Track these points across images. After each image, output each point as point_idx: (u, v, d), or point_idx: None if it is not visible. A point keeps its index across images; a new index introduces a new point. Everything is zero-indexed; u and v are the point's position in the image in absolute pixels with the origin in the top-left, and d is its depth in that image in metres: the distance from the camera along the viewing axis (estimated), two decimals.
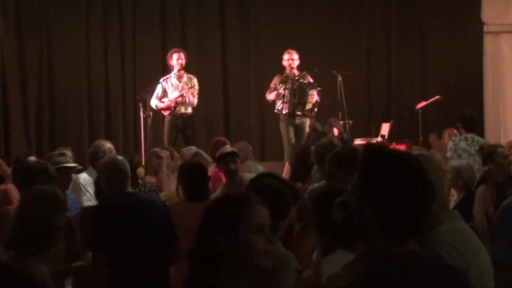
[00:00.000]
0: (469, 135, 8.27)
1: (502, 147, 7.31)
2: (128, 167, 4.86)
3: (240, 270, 2.50)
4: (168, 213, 4.79)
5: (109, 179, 4.79)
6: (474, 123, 8.48)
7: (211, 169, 7.05)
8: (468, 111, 8.73)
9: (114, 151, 6.98)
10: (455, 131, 8.88)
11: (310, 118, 10.59)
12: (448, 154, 8.15)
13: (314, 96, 10.56)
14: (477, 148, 7.90)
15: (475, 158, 7.81)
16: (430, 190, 2.19)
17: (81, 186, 6.69)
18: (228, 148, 6.69)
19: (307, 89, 10.54)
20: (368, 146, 2.30)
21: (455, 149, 8.21)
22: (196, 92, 10.68)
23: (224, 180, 6.42)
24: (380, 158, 2.20)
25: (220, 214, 2.54)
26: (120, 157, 5.03)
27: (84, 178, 6.71)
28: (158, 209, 4.74)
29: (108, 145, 7.07)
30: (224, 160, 6.14)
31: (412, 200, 2.13)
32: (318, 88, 10.59)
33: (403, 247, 2.14)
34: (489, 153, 6.60)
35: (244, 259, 2.49)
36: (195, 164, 5.70)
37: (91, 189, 6.23)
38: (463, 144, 8.19)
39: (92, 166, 6.74)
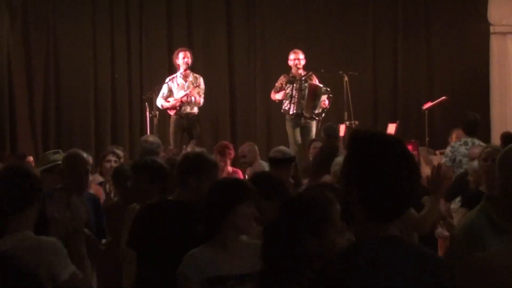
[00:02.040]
0: (469, 139, 8.00)
1: None
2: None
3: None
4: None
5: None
6: (475, 126, 8.18)
7: (226, 170, 7.06)
8: (470, 113, 8.49)
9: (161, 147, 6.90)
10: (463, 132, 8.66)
11: (318, 122, 10.58)
12: (443, 160, 7.91)
13: (325, 102, 10.56)
14: None
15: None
16: (414, 175, 2.17)
17: None
18: (282, 150, 6.61)
19: (320, 94, 10.52)
20: (355, 131, 2.31)
21: (451, 156, 7.93)
22: (202, 91, 10.67)
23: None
24: (364, 141, 2.20)
25: (306, 216, 2.50)
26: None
27: None
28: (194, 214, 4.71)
29: (150, 139, 7.01)
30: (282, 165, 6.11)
31: (396, 183, 2.13)
32: (330, 95, 10.58)
33: (385, 231, 2.14)
34: None
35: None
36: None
37: None
38: (462, 149, 7.92)
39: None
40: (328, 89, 10.61)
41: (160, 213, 4.16)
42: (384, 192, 2.13)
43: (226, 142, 9.11)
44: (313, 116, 10.57)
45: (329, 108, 10.65)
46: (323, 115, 10.65)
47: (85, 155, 5.16)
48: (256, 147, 8.48)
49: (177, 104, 10.52)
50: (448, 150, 8.11)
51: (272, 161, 6.22)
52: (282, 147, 6.47)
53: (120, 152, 7.43)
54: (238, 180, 3.71)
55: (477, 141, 8.02)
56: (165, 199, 4.41)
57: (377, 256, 2.10)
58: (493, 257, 2.58)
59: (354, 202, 2.15)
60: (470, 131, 8.14)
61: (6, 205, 3.47)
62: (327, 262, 2.17)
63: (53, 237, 3.62)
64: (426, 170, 8.44)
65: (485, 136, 12.17)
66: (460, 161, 7.83)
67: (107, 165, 7.13)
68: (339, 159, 5.89)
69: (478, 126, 8.33)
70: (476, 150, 6.62)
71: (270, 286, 2.53)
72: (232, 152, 8.69)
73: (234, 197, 3.48)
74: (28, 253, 3.31)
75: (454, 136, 9.04)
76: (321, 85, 10.65)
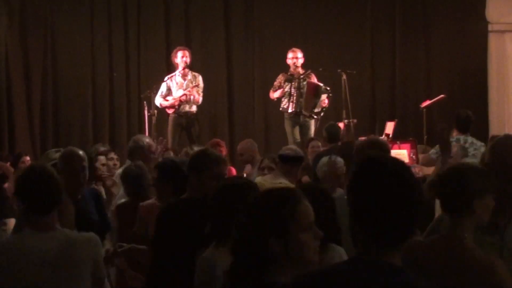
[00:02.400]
0: (461, 137, 7.95)
1: None
2: None
3: (287, 266, 2.48)
4: None
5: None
6: (468, 124, 8.12)
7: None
8: (462, 111, 8.42)
9: (153, 147, 6.88)
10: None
11: (316, 121, 10.58)
12: (430, 152, 7.91)
13: (325, 101, 10.56)
14: (475, 148, 7.72)
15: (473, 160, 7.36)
16: (415, 206, 2.14)
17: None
18: (294, 149, 6.61)
19: (320, 93, 10.52)
20: (367, 155, 2.27)
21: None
22: (201, 90, 10.67)
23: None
24: (369, 167, 2.18)
25: (269, 214, 2.49)
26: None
27: None
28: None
29: (147, 140, 6.99)
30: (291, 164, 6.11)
31: (395, 214, 2.11)
32: (330, 94, 10.57)
33: (380, 256, 2.11)
34: None
35: (293, 257, 2.47)
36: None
37: None
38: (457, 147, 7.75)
39: (131, 160, 6.60)
40: (328, 88, 10.61)
41: (176, 212, 4.19)
42: (382, 219, 2.11)
43: (217, 140, 9.11)
44: (312, 114, 10.58)
45: (328, 106, 10.65)
46: (322, 114, 10.66)
47: (80, 152, 5.16)
48: (256, 144, 8.47)
49: (176, 103, 10.52)
50: (438, 148, 8.05)
51: (283, 158, 6.23)
52: (293, 146, 6.49)
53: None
54: (249, 181, 3.68)
55: (470, 139, 7.99)
56: (178, 198, 4.42)
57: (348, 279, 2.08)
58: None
59: (352, 222, 2.16)
60: (464, 129, 8.09)
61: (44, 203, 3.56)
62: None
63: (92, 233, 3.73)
64: (425, 170, 8.47)
65: (483, 134, 12.17)
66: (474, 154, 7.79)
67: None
68: (325, 159, 5.90)
69: (471, 124, 8.23)
70: (455, 149, 6.67)
71: (235, 281, 2.52)
72: (224, 150, 8.68)
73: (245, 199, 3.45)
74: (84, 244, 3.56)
75: (455, 134, 8.91)
76: (321, 84, 10.65)
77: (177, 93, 10.53)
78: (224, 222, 3.37)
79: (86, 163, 5.07)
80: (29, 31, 12.63)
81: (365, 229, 2.13)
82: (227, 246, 3.38)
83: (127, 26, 12.95)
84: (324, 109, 10.62)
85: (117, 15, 12.93)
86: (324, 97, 10.56)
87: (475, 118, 8.39)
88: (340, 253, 3.52)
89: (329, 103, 10.64)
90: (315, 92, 10.52)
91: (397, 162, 2.21)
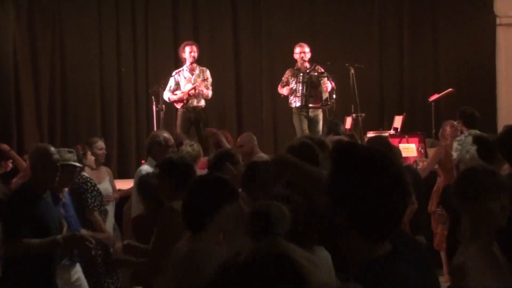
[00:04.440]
0: (472, 131, 7.99)
1: None
2: None
3: None
4: None
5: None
6: (475, 119, 8.25)
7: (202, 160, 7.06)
8: (467, 108, 8.56)
9: (171, 141, 6.82)
10: (455, 122, 8.66)
11: (332, 107, 10.46)
12: (455, 155, 7.89)
13: (327, 85, 10.46)
14: None
15: None
16: (406, 189, 2.05)
17: None
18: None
19: (318, 80, 10.44)
20: (337, 145, 2.17)
21: (462, 148, 7.77)
22: (210, 84, 10.66)
23: None
24: (350, 158, 2.06)
25: None
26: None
27: (146, 169, 6.33)
28: None
29: (164, 134, 6.95)
30: None
31: (389, 201, 2.00)
32: (329, 75, 10.45)
33: (383, 249, 2.04)
34: None
35: None
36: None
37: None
38: (469, 139, 7.58)
39: (151, 156, 6.58)
40: (323, 71, 10.50)
41: None
42: (378, 213, 2.00)
43: (212, 130, 9.26)
44: (323, 103, 10.44)
45: (336, 100, 10.52)
46: (333, 99, 10.44)
47: (52, 149, 5.09)
48: (255, 138, 8.43)
49: (185, 97, 10.52)
50: (455, 144, 8.06)
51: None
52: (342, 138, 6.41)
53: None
54: (224, 180, 3.71)
55: (479, 133, 7.90)
56: None
57: (397, 273, 2.00)
58: None
59: (344, 223, 2.03)
60: (472, 124, 8.21)
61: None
62: None
63: None
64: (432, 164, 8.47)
65: (492, 127, 12.16)
66: (468, 151, 7.85)
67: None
68: None
69: (478, 119, 8.34)
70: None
71: None
72: (227, 138, 8.81)
73: (222, 197, 3.50)
74: None
75: (448, 127, 8.87)
76: (316, 73, 10.54)
77: (185, 87, 10.53)
78: (200, 219, 3.46)
79: (59, 162, 5.01)
80: (37, 28, 12.65)
81: (363, 227, 2.03)
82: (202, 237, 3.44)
83: (135, 21, 12.96)
84: (333, 92, 10.46)
85: (124, 10, 12.95)
86: (324, 81, 10.43)
87: (483, 112, 8.42)
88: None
89: (334, 83, 10.39)
90: (314, 82, 10.44)
91: (374, 151, 2.09)
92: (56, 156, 5.03)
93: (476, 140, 5.81)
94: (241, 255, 1.92)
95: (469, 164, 5.86)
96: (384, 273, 1.98)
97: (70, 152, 5.69)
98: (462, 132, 8.27)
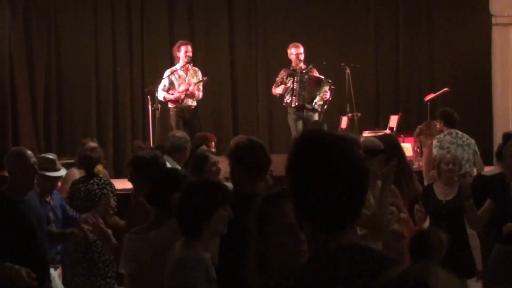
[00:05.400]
0: (452, 130, 8.34)
1: None
2: None
3: (273, 268, 2.48)
4: None
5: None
6: (455, 119, 8.51)
7: None
8: (447, 108, 8.84)
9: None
10: (436, 122, 8.88)
11: (320, 114, 10.53)
12: (434, 151, 8.18)
13: (327, 94, 10.50)
14: (464, 140, 8.18)
15: (464, 148, 8.12)
16: (361, 179, 1.93)
17: None
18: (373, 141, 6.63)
19: (322, 84, 10.47)
20: (303, 131, 2.17)
21: (440, 145, 8.27)
22: (201, 85, 10.68)
23: None
24: (306, 143, 1.97)
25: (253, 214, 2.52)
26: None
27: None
28: None
29: (178, 134, 6.99)
30: None
31: (339, 189, 1.88)
32: (332, 87, 10.51)
33: (339, 240, 1.89)
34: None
35: (273, 258, 2.47)
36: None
37: None
38: (448, 138, 8.26)
39: (170, 156, 6.59)
40: (330, 81, 10.57)
41: None
42: (327, 203, 1.88)
43: (204, 134, 9.32)
44: (315, 108, 10.51)
45: (331, 100, 10.60)
46: (325, 107, 10.62)
47: (29, 152, 4.98)
48: None
49: (182, 97, 10.51)
50: (435, 142, 8.37)
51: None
52: (373, 138, 6.40)
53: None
54: (217, 184, 3.75)
55: (459, 132, 8.38)
56: None
57: (333, 269, 1.86)
58: None
59: (296, 209, 1.95)
60: (452, 124, 8.45)
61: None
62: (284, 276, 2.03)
63: None
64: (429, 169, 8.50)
65: (487, 126, 12.21)
66: (448, 148, 8.15)
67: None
68: None
69: (457, 119, 8.58)
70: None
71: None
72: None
73: (217, 200, 3.54)
74: None
75: (433, 128, 9.08)
76: (323, 77, 10.61)
77: (180, 87, 10.52)
78: (196, 223, 3.48)
79: (36, 165, 4.94)
80: (33, 25, 12.61)
81: (309, 213, 1.93)
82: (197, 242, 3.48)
83: (130, 21, 12.94)
84: (327, 102, 10.57)
85: (120, 8, 12.93)
86: (326, 88, 10.49)
87: (479, 111, 8.54)
88: None
89: (332, 95, 10.56)
90: (317, 84, 10.47)
91: (338, 139, 1.97)
92: (33, 159, 4.92)
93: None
94: None
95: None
96: (327, 267, 1.87)
97: (51, 160, 5.70)
98: (442, 131, 8.48)
